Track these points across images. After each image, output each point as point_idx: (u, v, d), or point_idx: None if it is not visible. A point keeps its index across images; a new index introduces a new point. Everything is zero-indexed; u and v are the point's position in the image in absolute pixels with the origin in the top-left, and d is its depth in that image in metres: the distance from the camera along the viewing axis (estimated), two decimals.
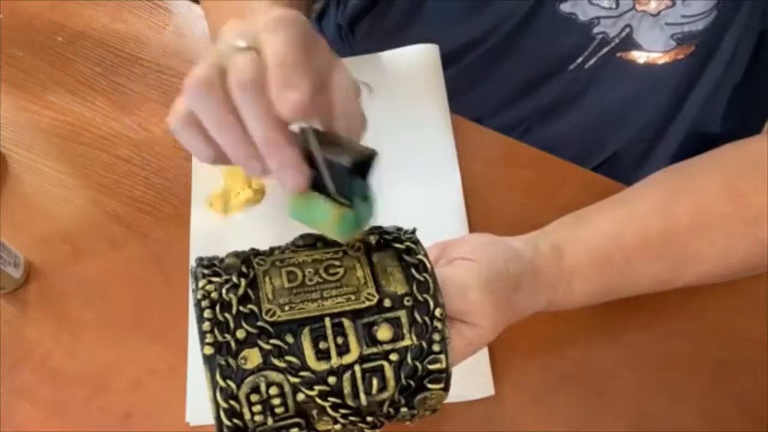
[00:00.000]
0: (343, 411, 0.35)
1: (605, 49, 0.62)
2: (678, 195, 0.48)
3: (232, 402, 0.34)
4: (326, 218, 0.36)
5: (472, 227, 0.55)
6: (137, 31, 0.67)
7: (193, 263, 0.38)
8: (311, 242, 0.38)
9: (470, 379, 0.49)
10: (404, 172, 0.58)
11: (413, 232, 0.40)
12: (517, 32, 0.64)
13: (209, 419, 0.49)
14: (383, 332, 0.36)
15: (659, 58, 0.61)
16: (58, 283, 0.55)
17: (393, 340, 0.36)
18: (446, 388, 0.37)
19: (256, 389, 0.34)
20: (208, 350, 0.34)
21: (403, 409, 0.37)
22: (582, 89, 0.66)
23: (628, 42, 0.61)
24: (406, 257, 0.38)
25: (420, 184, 0.57)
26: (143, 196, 0.58)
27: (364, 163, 0.37)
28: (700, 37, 0.60)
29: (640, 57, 0.62)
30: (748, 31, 0.61)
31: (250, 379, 0.34)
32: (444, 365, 0.36)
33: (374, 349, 0.36)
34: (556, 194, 0.56)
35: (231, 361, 0.34)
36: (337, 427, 0.36)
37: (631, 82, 0.64)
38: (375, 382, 0.35)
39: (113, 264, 0.55)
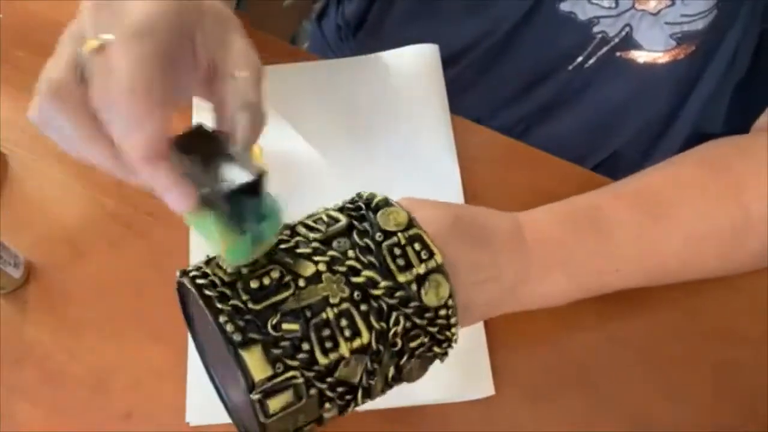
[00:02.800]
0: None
1: (605, 49, 0.62)
2: (652, 170, 0.50)
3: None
4: (217, 244, 0.34)
5: None
6: None
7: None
8: None
9: (470, 379, 0.49)
10: (404, 173, 0.58)
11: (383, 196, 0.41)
12: (516, 32, 0.64)
13: (209, 419, 0.49)
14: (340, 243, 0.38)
15: (659, 57, 0.61)
16: (58, 283, 0.55)
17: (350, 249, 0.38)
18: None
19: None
20: (237, 337, 0.34)
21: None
22: (581, 89, 0.66)
23: (628, 41, 0.61)
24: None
25: (420, 184, 0.57)
26: (143, 196, 0.58)
27: (254, 183, 0.34)
28: (700, 37, 0.60)
29: (639, 56, 0.62)
30: (749, 32, 0.61)
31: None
32: (409, 278, 0.37)
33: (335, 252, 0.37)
34: (556, 194, 0.56)
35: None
36: (322, 268, 0.36)
37: (631, 81, 0.64)
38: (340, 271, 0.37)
39: (113, 264, 0.55)
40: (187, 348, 0.51)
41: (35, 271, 0.55)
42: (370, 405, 0.49)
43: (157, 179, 0.33)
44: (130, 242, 0.56)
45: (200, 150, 0.34)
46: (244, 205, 0.34)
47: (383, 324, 0.36)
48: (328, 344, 0.35)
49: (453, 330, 0.39)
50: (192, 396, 0.49)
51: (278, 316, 0.35)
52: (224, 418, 0.48)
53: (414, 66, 0.63)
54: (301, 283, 0.36)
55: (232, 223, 0.34)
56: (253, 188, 0.33)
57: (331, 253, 0.37)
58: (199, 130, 0.36)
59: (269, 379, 0.34)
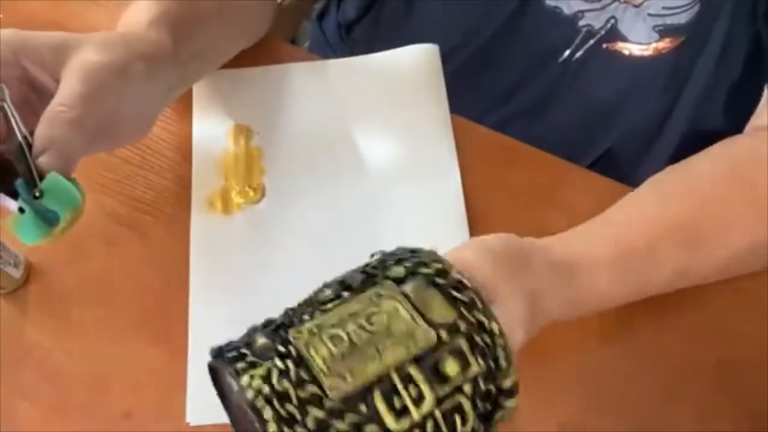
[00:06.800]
0: None
1: (591, 41, 0.63)
2: (686, 192, 0.49)
3: None
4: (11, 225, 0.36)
5: (472, 227, 0.55)
6: None
7: (210, 358, 0.35)
8: (337, 293, 0.35)
9: None
10: (404, 173, 0.58)
11: (435, 255, 0.37)
12: (503, 29, 0.65)
13: (209, 419, 0.49)
14: (451, 367, 0.33)
15: (645, 50, 0.62)
16: (58, 283, 0.55)
17: (462, 371, 0.34)
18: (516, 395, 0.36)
19: None
20: None
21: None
22: (572, 81, 0.66)
23: (614, 33, 0.61)
24: (440, 280, 0.35)
25: (420, 184, 0.57)
26: (143, 196, 0.58)
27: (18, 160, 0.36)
28: (684, 32, 0.60)
29: (626, 48, 0.62)
30: (736, 30, 0.61)
31: None
32: (515, 378, 0.35)
33: (447, 388, 0.33)
34: (556, 194, 0.56)
35: None
36: None
37: (621, 74, 0.64)
38: (457, 419, 0.33)
39: (113, 264, 0.55)
40: (187, 348, 0.51)
41: (35, 271, 0.55)
42: None
43: None
44: (130, 242, 0.56)
45: None
46: (18, 183, 0.36)
47: None
48: None
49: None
50: (192, 396, 0.49)
51: None
52: (224, 419, 0.48)
53: (414, 66, 0.63)
54: None
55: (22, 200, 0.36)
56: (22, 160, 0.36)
57: None
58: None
59: None
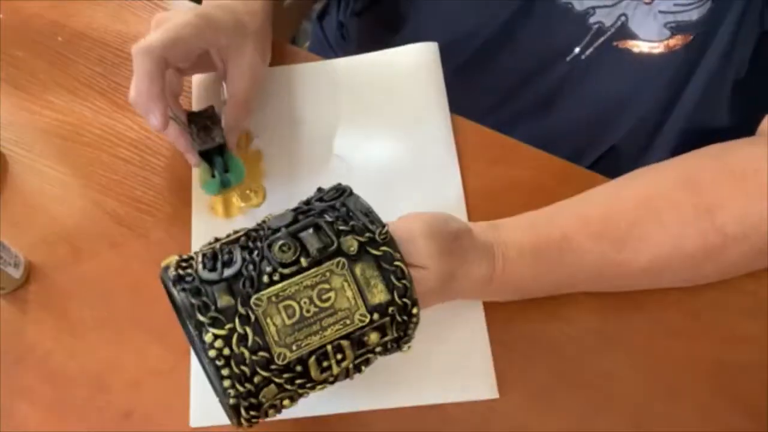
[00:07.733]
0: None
1: (601, 39, 0.62)
2: (628, 183, 0.50)
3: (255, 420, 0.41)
4: (199, 181, 0.56)
5: None
6: (137, 31, 0.67)
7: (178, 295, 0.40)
8: (294, 258, 0.40)
9: (474, 380, 0.49)
10: (404, 172, 0.58)
11: (386, 232, 0.42)
12: (513, 24, 0.64)
13: (212, 421, 0.49)
14: (372, 338, 0.41)
15: (655, 47, 0.62)
16: (58, 283, 0.55)
17: (379, 340, 0.41)
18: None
19: (274, 406, 0.41)
20: (233, 401, 0.39)
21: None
22: (579, 80, 0.66)
23: (624, 31, 0.61)
24: (385, 265, 0.41)
25: (420, 184, 0.57)
26: (143, 196, 0.58)
27: (215, 147, 0.55)
28: (695, 29, 0.60)
29: (636, 46, 0.62)
30: (745, 26, 0.61)
31: (267, 405, 0.40)
32: (412, 339, 0.43)
33: (364, 350, 0.41)
34: (557, 194, 0.56)
35: (252, 400, 0.39)
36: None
37: (629, 71, 0.64)
38: (363, 367, 0.43)
39: (113, 264, 0.55)
40: (188, 348, 0.51)
41: (35, 271, 0.55)
42: (371, 404, 0.49)
43: (168, 135, 0.55)
44: (130, 242, 0.56)
45: (200, 121, 0.56)
46: (215, 159, 0.55)
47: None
48: None
49: None
50: (195, 398, 0.50)
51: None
52: (225, 420, 0.48)
53: (414, 65, 0.63)
54: None
55: (208, 169, 0.55)
56: (218, 150, 0.55)
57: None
58: (208, 110, 0.57)
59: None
